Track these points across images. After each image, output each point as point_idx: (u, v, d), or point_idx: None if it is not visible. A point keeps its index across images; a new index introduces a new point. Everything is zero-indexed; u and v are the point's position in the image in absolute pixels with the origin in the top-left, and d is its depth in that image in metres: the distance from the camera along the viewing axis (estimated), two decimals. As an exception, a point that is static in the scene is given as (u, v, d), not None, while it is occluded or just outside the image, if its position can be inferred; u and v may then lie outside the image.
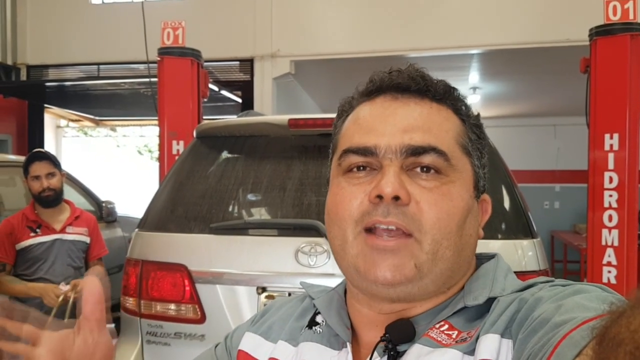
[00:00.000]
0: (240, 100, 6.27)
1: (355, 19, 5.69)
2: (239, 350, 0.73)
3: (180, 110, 3.77)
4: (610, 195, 3.19)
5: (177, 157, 2.87)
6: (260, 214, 2.15)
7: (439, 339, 0.58)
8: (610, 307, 0.37)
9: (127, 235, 4.39)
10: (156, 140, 4.59)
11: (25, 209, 2.82)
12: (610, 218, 3.19)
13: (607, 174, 3.21)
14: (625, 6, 3.20)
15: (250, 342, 0.73)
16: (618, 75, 3.18)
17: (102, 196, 4.56)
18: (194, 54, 3.84)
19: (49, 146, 7.84)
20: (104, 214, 4.33)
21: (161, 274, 1.99)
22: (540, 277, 0.62)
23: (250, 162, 2.20)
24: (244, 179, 2.15)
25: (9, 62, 6.47)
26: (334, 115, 0.73)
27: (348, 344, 0.64)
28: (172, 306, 1.98)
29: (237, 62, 6.17)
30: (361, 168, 0.63)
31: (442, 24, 5.43)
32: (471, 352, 0.55)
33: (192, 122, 3.68)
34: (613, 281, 3.15)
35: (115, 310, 4.06)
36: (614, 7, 3.22)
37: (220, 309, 1.93)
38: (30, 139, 6.97)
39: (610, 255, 3.18)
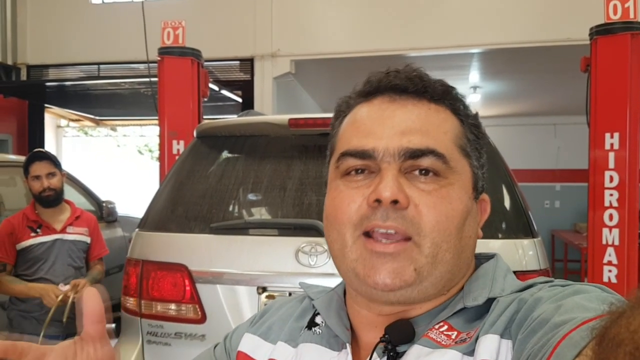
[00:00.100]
0: (240, 100, 6.28)
1: (355, 19, 5.69)
2: (239, 351, 0.73)
3: (181, 110, 3.77)
4: (611, 195, 3.19)
5: (177, 157, 2.87)
6: (261, 213, 2.15)
7: (438, 339, 0.58)
8: (609, 308, 0.37)
9: (128, 235, 4.39)
10: (156, 140, 4.59)
11: (26, 209, 2.82)
12: (610, 217, 3.19)
13: (607, 173, 3.20)
14: (626, 5, 3.20)
15: (249, 343, 0.73)
16: (618, 75, 3.17)
17: (103, 196, 4.56)
18: (194, 54, 3.84)
19: (49, 146, 7.85)
20: (104, 213, 4.33)
21: (161, 274, 1.99)
22: (540, 278, 0.61)
23: (251, 162, 2.20)
24: (245, 179, 2.15)
25: (9, 62, 6.47)
26: None
27: (348, 344, 0.64)
28: (173, 306, 1.98)
29: (238, 62, 6.17)
30: (359, 171, 0.62)
31: (443, 23, 5.43)
32: (470, 352, 0.55)
33: (192, 121, 3.68)
34: (614, 280, 3.15)
35: (115, 310, 4.06)
36: (615, 6, 3.22)
37: (221, 309, 1.93)
38: (31, 138, 6.97)
39: (610, 255, 3.18)
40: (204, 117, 3.93)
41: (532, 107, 8.51)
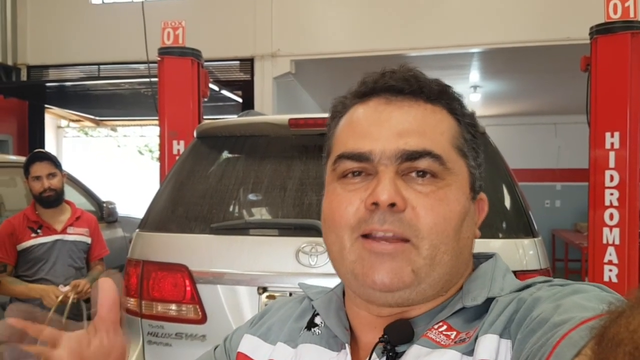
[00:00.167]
0: (240, 100, 6.28)
1: (355, 19, 5.69)
2: (238, 352, 0.73)
3: (181, 110, 3.77)
4: (611, 194, 3.19)
5: (177, 157, 2.87)
6: (261, 213, 2.15)
7: (437, 339, 0.58)
8: (609, 307, 0.37)
9: (128, 236, 4.39)
10: (157, 140, 4.59)
11: (26, 209, 2.82)
12: (611, 216, 3.19)
13: (608, 172, 3.20)
14: (626, 4, 3.20)
15: (249, 344, 0.73)
16: (619, 74, 3.17)
17: (103, 196, 4.56)
18: (194, 54, 3.84)
19: (50, 146, 7.85)
20: (104, 214, 4.33)
21: (162, 274, 1.99)
22: (539, 277, 0.61)
23: (251, 162, 2.20)
24: (245, 179, 2.15)
25: (10, 62, 6.47)
26: None
27: (347, 345, 0.64)
28: (173, 306, 1.98)
29: (238, 62, 6.17)
30: (356, 173, 0.62)
31: (443, 23, 5.43)
32: (470, 352, 0.55)
33: (192, 122, 3.68)
34: (614, 280, 3.15)
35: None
36: (615, 5, 3.22)
37: (221, 309, 1.93)
38: (31, 139, 6.98)
39: (611, 254, 3.18)
40: (204, 117, 3.93)
41: (532, 107, 8.51)
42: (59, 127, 8.81)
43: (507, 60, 5.85)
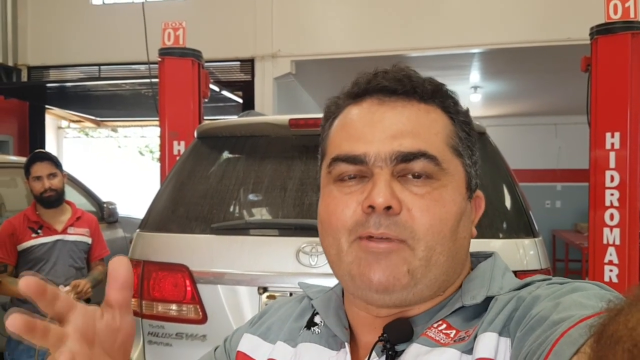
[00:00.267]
0: (241, 101, 6.28)
1: (355, 19, 5.69)
2: (238, 351, 0.73)
3: (181, 111, 3.77)
4: (612, 194, 3.19)
5: (178, 158, 2.87)
6: (262, 214, 2.15)
7: (437, 338, 0.58)
8: (608, 305, 0.37)
9: (129, 236, 4.39)
10: (157, 141, 4.59)
11: (27, 209, 2.82)
12: (611, 217, 3.19)
13: (608, 173, 3.20)
14: (626, 5, 3.20)
15: (249, 343, 0.73)
16: (619, 74, 3.17)
17: (104, 197, 4.57)
18: (195, 55, 3.84)
19: (50, 147, 7.85)
20: (105, 214, 4.33)
21: (162, 275, 1.99)
22: (538, 275, 0.61)
23: (251, 162, 2.20)
24: (245, 179, 2.15)
25: (10, 63, 6.47)
26: None
27: (346, 344, 0.64)
28: (174, 306, 1.98)
29: (238, 63, 6.18)
30: (352, 176, 0.62)
31: (443, 23, 5.43)
32: (469, 351, 0.55)
33: (193, 122, 3.68)
34: (615, 280, 3.15)
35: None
36: (615, 5, 3.22)
37: (222, 309, 1.93)
38: (32, 140, 6.98)
39: (611, 254, 3.17)
40: (205, 117, 3.93)
41: (532, 107, 8.51)
42: (60, 127, 8.81)
43: (507, 60, 5.85)
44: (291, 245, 1.90)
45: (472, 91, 7.18)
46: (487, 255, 0.69)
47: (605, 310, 0.36)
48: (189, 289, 1.95)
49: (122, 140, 9.81)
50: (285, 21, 5.82)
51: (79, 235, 2.85)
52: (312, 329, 0.69)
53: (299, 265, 1.87)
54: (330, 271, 0.65)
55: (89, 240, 2.89)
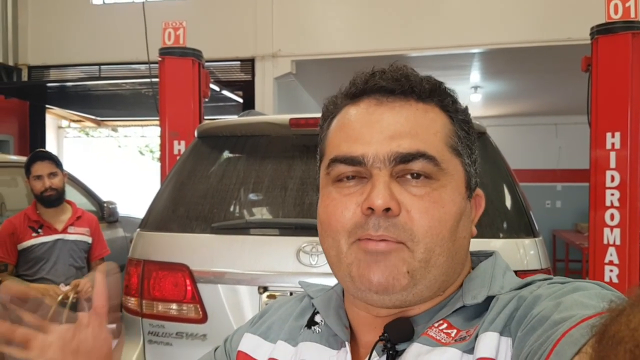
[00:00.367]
0: (241, 100, 6.28)
1: (356, 19, 5.69)
2: (239, 351, 0.73)
3: (182, 111, 3.77)
4: (612, 194, 3.19)
5: (178, 157, 2.87)
6: (262, 213, 2.15)
7: (438, 337, 0.58)
8: (609, 305, 0.37)
9: (129, 236, 4.40)
10: (157, 141, 4.59)
11: (27, 209, 2.82)
12: (612, 217, 3.19)
13: (608, 173, 3.20)
14: (627, 4, 3.20)
15: (249, 343, 0.73)
16: (619, 74, 3.17)
17: (104, 196, 4.57)
18: (195, 54, 3.84)
19: (51, 147, 7.85)
20: (105, 214, 4.33)
21: (163, 274, 1.99)
22: (539, 275, 0.61)
23: (252, 162, 2.20)
24: (246, 179, 2.15)
25: (10, 62, 6.48)
26: None
27: (347, 343, 0.64)
28: (174, 306, 1.98)
29: (238, 62, 6.18)
30: (350, 177, 0.62)
31: (443, 23, 5.43)
32: (470, 350, 0.55)
33: (193, 122, 3.68)
34: (615, 280, 3.15)
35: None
36: (615, 5, 3.22)
37: (222, 309, 1.93)
38: (32, 139, 6.98)
39: (612, 254, 3.17)
40: (205, 117, 3.93)
41: (533, 107, 8.51)
42: (60, 127, 8.81)
43: (507, 60, 5.85)
44: (291, 245, 1.90)
45: (473, 91, 7.18)
46: (487, 255, 0.69)
47: (607, 310, 0.36)
48: (189, 288, 1.95)
49: (123, 140, 9.82)
50: (286, 21, 5.82)
51: (79, 235, 2.85)
52: (312, 328, 0.69)
53: (299, 265, 1.87)
54: (331, 271, 0.65)
55: (89, 239, 2.89)
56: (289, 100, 6.42)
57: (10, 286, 0.50)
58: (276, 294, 1.91)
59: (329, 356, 0.65)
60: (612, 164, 3.19)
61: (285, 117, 2.13)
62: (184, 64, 3.79)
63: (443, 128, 0.63)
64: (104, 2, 6.40)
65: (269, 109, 5.75)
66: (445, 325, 0.60)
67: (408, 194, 0.59)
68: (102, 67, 6.43)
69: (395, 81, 0.63)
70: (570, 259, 7.72)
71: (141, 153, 9.82)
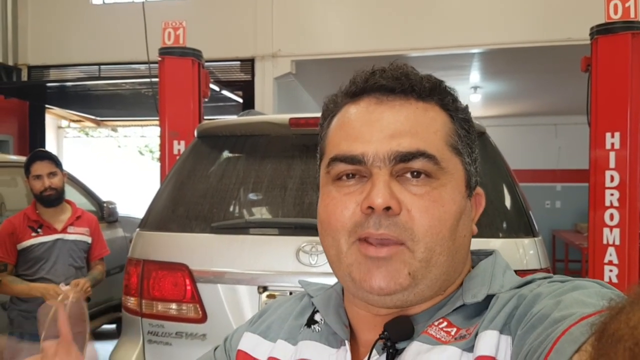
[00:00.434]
0: (241, 100, 6.28)
1: (356, 19, 5.69)
2: (238, 350, 0.73)
3: (181, 110, 3.78)
4: (612, 194, 3.19)
5: (178, 157, 2.87)
6: (262, 213, 2.15)
7: (438, 336, 0.58)
8: (609, 303, 0.37)
9: (129, 236, 4.39)
10: (157, 141, 4.59)
11: (27, 209, 2.82)
12: (611, 217, 3.19)
13: (608, 173, 3.20)
14: (626, 5, 3.20)
15: (249, 342, 0.73)
16: (619, 74, 3.17)
17: (104, 196, 4.56)
18: (195, 54, 3.84)
19: (50, 147, 7.85)
20: (105, 214, 4.33)
21: (162, 274, 1.99)
22: (539, 273, 0.61)
23: (252, 162, 2.20)
24: (245, 178, 2.15)
25: (10, 62, 6.48)
26: None
27: (347, 342, 0.64)
28: (174, 306, 1.98)
29: (238, 62, 6.18)
30: (350, 176, 0.62)
31: (443, 23, 5.43)
32: (470, 348, 0.55)
33: (193, 122, 3.68)
34: (614, 280, 3.15)
35: (117, 310, 4.05)
36: (615, 5, 3.22)
37: (222, 309, 1.93)
38: (32, 139, 6.98)
39: (611, 254, 3.17)
40: (205, 117, 3.93)
41: (532, 107, 8.51)
42: (60, 127, 8.81)
43: (507, 60, 5.85)
44: (291, 245, 1.90)
45: (472, 91, 7.18)
46: (487, 253, 0.69)
47: (607, 308, 0.36)
48: (188, 288, 1.95)
49: (122, 140, 9.82)
50: (286, 21, 5.82)
51: (78, 235, 2.85)
52: (312, 326, 0.69)
53: (299, 265, 1.87)
54: (331, 270, 0.65)
55: (88, 239, 2.89)
56: (288, 100, 6.42)
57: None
58: (276, 293, 1.91)
59: (329, 355, 0.65)
60: (612, 164, 3.19)
61: (284, 117, 2.13)
62: (184, 63, 3.79)
63: (443, 127, 0.63)
64: (103, 2, 6.40)
65: (269, 109, 5.75)
66: (445, 323, 0.60)
67: (408, 193, 0.59)
68: (101, 67, 6.44)
69: (395, 80, 0.63)
70: (570, 259, 7.73)
71: (141, 153, 9.82)
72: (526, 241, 1.87)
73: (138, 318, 2.02)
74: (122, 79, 6.15)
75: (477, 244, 0.67)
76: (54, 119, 8.44)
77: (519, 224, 1.94)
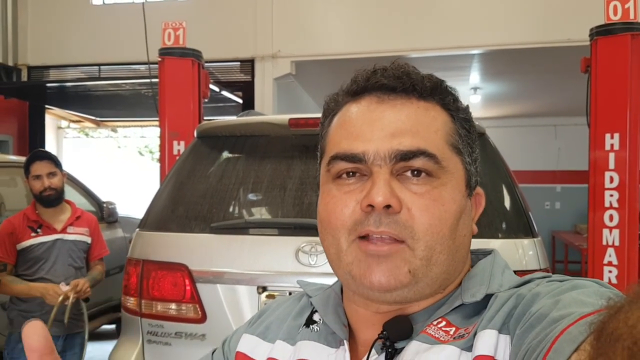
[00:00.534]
0: (241, 101, 6.28)
1: (355, 19, 5.70)
2: (237, 351, 0.73)
3: (181, 111, 3.78)
4: (611, 195, 3.19)
5: (177, 157, 2.87)
6: (261, 213, 2.15)
7: (436, 335, 0.58)
8: (608, 302, 0.37)
9: (128, 236, 4.39)
10: (157, 141, 4.60)
11: (27, 209, 2.82)
12: (611, 218, 3.19)
13: (607, 174, 3.21)
14: (626, 6, 3.20)
15: (248, 344, 0.73)
16: (619, 75, 3.18)
17: (103, 197, 4.57)
18: (195, 55, 3.85)
19: (50, 147, 7.85)
20: (104, 214, 4.33)
21: (162, 274, 1.99)
22: (538, 273, 0.61)
23: (251, 162, 2.20)
24: (245, 179, 2.15)
25: (10, 62, 6.48)
26: None
27: (345, 341, 0.64)
28: (173, 306, 1.98)
29: (238, 63, 6.18)
30: (351, 174, 0.62)
31: (443, 24, 5.43)
32: (469, 348, 0.55)
33: (192, 122, 3.68)
34: (614, 281, 3.15)
35: (116, 310, 4.05)
36: (615, 6, 3.22)
37: (221, 309, 1.93)
38: (31, 139, 6.98)
39: (611, 255, 3.18)
40: (205, 118, 3.93)
41: (532, 108, 8.52)
42: (60, 127, 8.81)
43: (507, 61, 5.86)
44: (291, 245, 1.90)
45: (472, 92, 7.18)
46: (486, 253, 0.69)
47: (605, 307, 0.36)
48: (188, 288, 1.96)
49: (122, 141, 9.82)
50: (286, 21, 5.83)
51: (78, 235, 2.85)
52: (311, 326, 0.69)
53: (298, 265, 1.87)
54: (330, 271, 0.65)
55: (88, 239, 2.89)
56: (288, 100, 6.43)
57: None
58: (275, 293, 1.91)
59: (328, 354, 0.65)
60: (611, 165, 3.19)
61: (284, 117, 2.14)
62: (184, 64, 3.80)
63: (444, 126, 0.63)
64: (103, 3, 6.40)
65: (269, 110, 5.76)
66: (444, 323, 0.60)
67: (408, 192, 0.59)
68: (101, 67, 6.44)
69: (396, 79, 0.63)
70: (570, 260, 7.73)
71: (141, 153, 9.82)
72: (525, 242, 1.87)
73: (137, 318, 2.02)
74: (122, 79, 6.15)
75: (477, 244, 0.67)
76: (53, 119, 8.44)
77: (518, 225, 1.94)
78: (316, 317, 0.70)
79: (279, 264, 1.91)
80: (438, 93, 0.64)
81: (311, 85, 6.98)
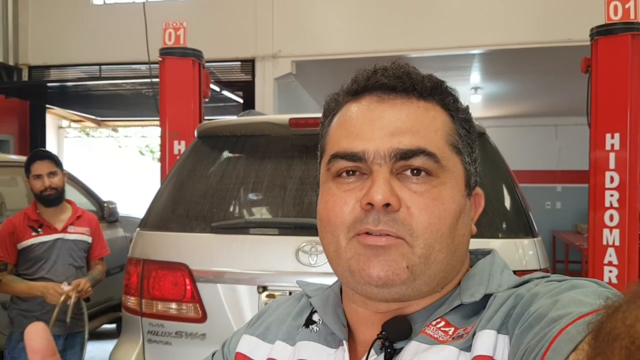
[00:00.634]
0: (241, 101, 6.28)
1: (356, 19, 5.70)
2: (237, 352, 0.73)
3: (182, 111, 3.78)
4: (612, 195, 3.19)
5: (178, 157, 2.87)
6: (261, 213, 2.15)
7: (435, 335, 0.58)
8: (606, 302, 0.37)
9: (129, 236, 4.40)
10: (158, 141, 4.60)
11: (27, 208, 2.82)
12: (611, 218, 3.19)
13: (608, 174, 3.21)
14: (626, 6, 3.20)
15: (247, 344, 0.73)
16: (619, 75, 3.18)
17: (104, 196, 4.57)
18: (196, 55, 3.85)
19: (51, 147, 7.86)
20: (105, 214, 4.33)
21: (162, 273, 1.99)
22: (537, 273, 0.61)
23: (251, 162, 2.20)
24: (245, 178, 2.15)
25: (11, 62, 6.48)
26: None
27: (344, 342, 0.64)
28: (173, 305, 1.98)
29: (239, 63, 6.18)
30: (350, 172, 0.62)
31: (443, 23, 5.43)
32: (467, 348, 0.55)
33: (193, 122, 3.68)
34: (614, 281, 3.15)
35: (116, 310, 4.05)
36: (615, 6, 3.22)
37: (221, 308, 1.94)
38: (32, 139, 6.98)
39: (611, 255, 3.18)
40: (205, 117, 3.93)
41: (533, 108, 8.52)
42: (60, 127, 8.81)
43: (508, 61, 5.85)
44: (291, 245, 1.90)
45: (473, 92, 7.18)
46: (485, 253, 0.69)
47: (604, 307, 0.36)
48: (188, 287, 1.96)
49: (123, 140, 9.82)
50: (286, 21, 5.83)
51: (79, 234, 2.85)
52: (310, 327, 0.69)
53: (298, 265, 1.87)
54: (330, 270, 0.65)
55: (89, 239, 2.89)
56: (289, 100, 6.43)
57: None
58: (275, 293, 1.91)
59: (327, 355, 0.65)
60: (612, 165, 3.19)
61: (284, 117, 2.14)
62: (184, 64, 3.80)
63: (444, 126, 0.64)
64: (104, 2, 6.41)
65: (269, 110, 5.76)
66: (442, 323, 0.60)
67: (408, 191, 0.60)
68: (102, 67, 6.44)
69: (397, 79, 0.63)
70: (570, 260, 7.73)
71: (141, 153, 9.82)
72: (525, 242, 1.87)
73: (138, 317, 2.02)
74: (122, 79, 6.16)
75: (477, 244, 0.67)
76: (54, 119, 8.45)
77: (518, 225, 1.94)
78: (316, 317, 0.71)
79: (279, 264, 1.91)
80: (438, 93, 0.65)
81: (312, 85, 6.98)
